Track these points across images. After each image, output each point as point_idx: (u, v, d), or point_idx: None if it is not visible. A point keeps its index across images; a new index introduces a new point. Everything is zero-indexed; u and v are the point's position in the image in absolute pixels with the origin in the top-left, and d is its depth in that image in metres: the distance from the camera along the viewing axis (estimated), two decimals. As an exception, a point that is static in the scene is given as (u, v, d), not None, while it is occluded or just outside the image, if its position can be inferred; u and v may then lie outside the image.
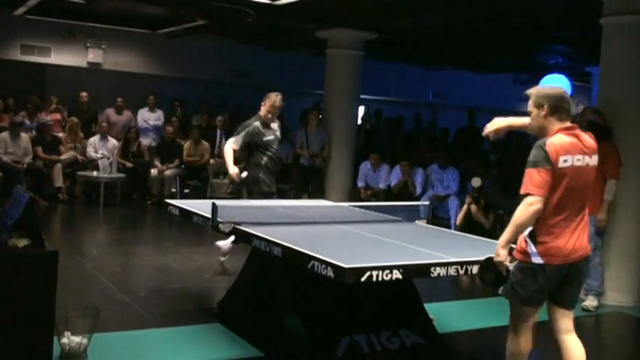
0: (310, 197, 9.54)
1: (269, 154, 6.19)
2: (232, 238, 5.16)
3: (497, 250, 3.40)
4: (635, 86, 6.47)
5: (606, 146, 6.13)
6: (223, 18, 9.76)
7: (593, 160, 3.44)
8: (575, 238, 3.39)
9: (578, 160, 3.35)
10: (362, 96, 11.47)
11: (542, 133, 3.43)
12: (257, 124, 6.12)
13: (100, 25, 12.38)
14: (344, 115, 10.81)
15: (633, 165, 6.32)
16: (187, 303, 5.57)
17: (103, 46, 12.68)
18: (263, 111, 6.18)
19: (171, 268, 6.82)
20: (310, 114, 10.98)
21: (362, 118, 14.07)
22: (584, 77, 13.06)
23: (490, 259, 3.45)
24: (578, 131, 3.43)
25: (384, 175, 10.20)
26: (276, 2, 8.66)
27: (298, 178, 10.75)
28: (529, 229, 3.36)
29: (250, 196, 6.28)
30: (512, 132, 12.40)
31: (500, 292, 3.49)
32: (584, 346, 3.48)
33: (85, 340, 4.03)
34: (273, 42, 12.69)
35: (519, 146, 11.24)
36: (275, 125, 6.28)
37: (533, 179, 3.28)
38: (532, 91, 3.51)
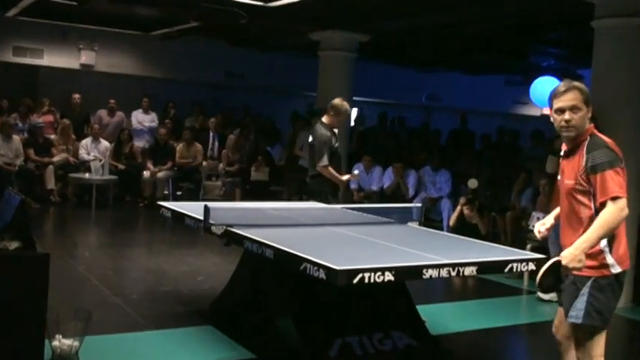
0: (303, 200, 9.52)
1: (332, 161, 6.21)
2: None
3: (578, 255, 2.96)
4: (626, 88, 6.50)
5: None
6: (216, 20, 9.75)
7: None
8: (626, 240, 3.22)
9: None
10: (354, 98, 11.47)
11: (579, 132, 3.16)
12: (328, 133, 6.14)
13: (93, 26, 12.35)
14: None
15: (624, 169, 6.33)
16: (179, 305, 5.56)
17: (96, 48, 12.65)
18: (332, 120, 6.17)
19: (164, 270, 6.81)
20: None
21: (355, 120, 14.07)
22: (576, 79, 13.09)
23: (558, 263, 3.03)
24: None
25: (377, 177, 10.21)
26: (269, 4, 8.66)
27: (294, 180, 10.70)
28: (605, 239, 3.04)
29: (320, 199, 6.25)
30: (504, 133, 12.40)
31: (580, 321, 3.08)
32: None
33: (76, 343, 4.00)
34: (266, 44, 12.69)
35: (511, 148, 11.30)
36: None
37: (616, 180, 2.98)
38: (579, 85, 3.19)
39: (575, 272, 3.06)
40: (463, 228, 8.28)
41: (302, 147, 10.67)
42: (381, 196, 9.89)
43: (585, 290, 3.09)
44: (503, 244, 6.52)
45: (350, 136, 11.55)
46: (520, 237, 7.75)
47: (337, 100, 6.22)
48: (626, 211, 2.97)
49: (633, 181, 6.45)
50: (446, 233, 6.99)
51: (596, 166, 3.01)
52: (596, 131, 3.20)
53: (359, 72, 11.04)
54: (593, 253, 3.05)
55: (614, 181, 2.98)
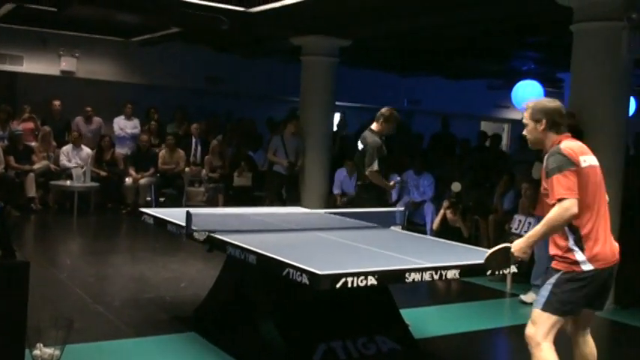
0: (285, 205, 9.51)
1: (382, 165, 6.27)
2: None
3: (524, 247, 3.36)
4: (604, 91, 6.57)
5: None
6: (197, 25, 9.73)
7: (597, 161, 3.49)
8: (611, 240, 3.42)
9: (591, 159, 3.42)
10: (337, 103, 11.50)
11: (538, 145, 3.51)
12: (378, 140, 6.20)
13: (73, 33, 12.27)
14: (319, 122, 10.81)
15: (604, 169, 6.38)
16: (162, 312, 5.52)
17: (76, 55, 12.57)
18: (382, 127, 6.22)
19: (146, 277, 6.76)
20: (289, 121, 10.94)
21: (337, 125, 14.09)
22: (556, 83, 13.22)
23: (507, 249, 3.43)
24: (574, 139, 3.50)
25: (360, 181, 10.21)
26: (250, 10, 8.66)
27: (273, 185, 10.70)
28: (572, 237, 3.30)
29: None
30: (485, 137, 12.49)
31: (540, 308, 3.34)
32: (557, 349, 3.50)
33: (57, 352, 3.97)
34: (248, 49, 12.68)
35: (494, 152, 11.38)
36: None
37: (563, 183, 3.23)
38: (530, 104, 3.54)
39: (553, 264, 3.37)
40: (446, 231, 8.32)
41: (275, 151, 10.64)
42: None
43: (552, 281, 3.35)
44: (486, 248, 6.55)
45: (333, 141, 11.56)
46: (503, 240, 7.76)
47: (386, 109, 6.31)
48: (571, 211, 3.20)
49: (614, 181, 6.54)
50: (428, 237, 7.02)
51: (548, 172, 3.31)
52: (566, 140, 3.42)
53: (341, 77, 11.07)
54: (563, 250, 3.33)
55: (561, 184, 3.23)
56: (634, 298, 6.66)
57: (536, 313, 3.37)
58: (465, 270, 3.87)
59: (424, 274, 3.65)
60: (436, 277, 3.71)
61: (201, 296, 5.36)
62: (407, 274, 3.59)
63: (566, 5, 6.76)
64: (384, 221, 5.35)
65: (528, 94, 12.13)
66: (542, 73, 12.37)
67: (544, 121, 3.44)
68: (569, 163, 3.27)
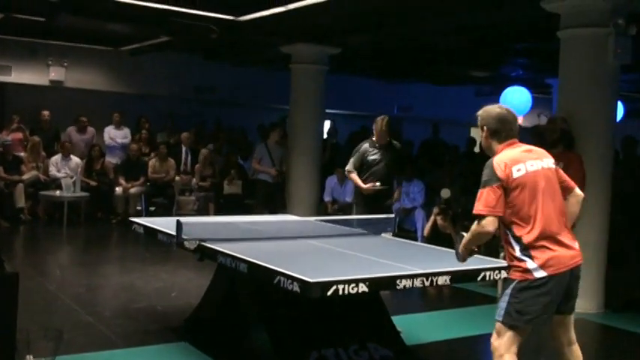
0: (272, 213, 9.50)
1: (369, 172, 6.46)
2: None
3: (463, 254, 3.53)
4: (592, 96, 6.62)
5: (569, 155, 6.27)
6: (187, 34, 9.74)
7: (547, 163, 3.44)
8: (568, 243, 3.35)
9: (532, 165, 3.36)
10: (327, 110, 11.52)
11: (489, 152, 3.52)
12: (366, 145, 6.54)
13: (62, 42, 12.24)
14: (309, 130, 10.83)
15: (593, 174, 6.45)
16: (153, 322, 5.50)
17: (65, 64, 12.53)
18: (374, 134, 6.55)
19: (137, 287, 6.73)
20: (272, 129, 10.95)
21: (327, 133, 14.11)
22: (545, 89, 13.29)
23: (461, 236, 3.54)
24: (522, 144, 3.48)
25: (351, 189, 10.21)
26: (240, 18, 8.68)
27: (260, 193, 10.68)
28: (517, 246, 3.30)
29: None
30: (474, 143, 12.50)
31: (500, 319, 3.34)
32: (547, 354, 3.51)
33: (47, 363, 3.94)
34: (238, 57, 12.69)
35: (485, 157, 11.42)
36: (394, 148, 6.58)
37: (484, 199, 3.28)
38: (478, 113, 3.57)
39: (508, 273, 3.40)
40: (437, 238, 8.33)
41: (260, 160, 10.63)
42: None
43: (508, 291, 3.34)
44: (477, 253, 6.57)
45: (323, 148, 11.57)
46: (493, 245, 7.79)
47: (376, 118, 6.60)
48: (487, 229, 3.26)
49: (602, 185, 6.58)
50: (419, 243, 7.03)
51: (480, 184, 3.36)
52: (507, 148, 3.42)
53: (331, 84, 11.09)
54: (514, 259, 3.33)
55: (483, 199, 3.29)
56: (624, 301, 6.69)
57: (497, 324, 3.36)
58: (456, 276, 3.88)
59: (415, 280, 3.65)
60: (427, 283, 3.72)
61: (192, 305, 5.34)
62: (398, 281, 3.59)
63: (554, 12, 6.81)
64: (375, 228, 5.36)
65: (517, 100, 12.20)
66: (531, 79, 12.43)
67: (486, 129, 3.48)
68: (495, 178, 3.28)
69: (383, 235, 5.28)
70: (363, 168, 6.50)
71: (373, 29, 9.20)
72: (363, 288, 3.44)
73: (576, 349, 3.54)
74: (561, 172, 3.55)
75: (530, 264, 3.26)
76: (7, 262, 3.56)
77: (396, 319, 4.89)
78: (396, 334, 4.74)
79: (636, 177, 8.00)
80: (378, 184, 6.36)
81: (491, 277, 4.00)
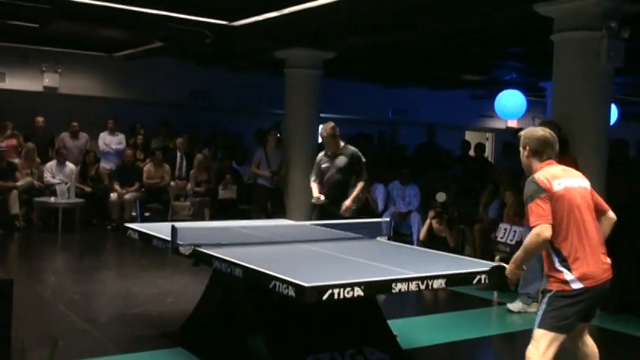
0: (270, 217, 9.50)
1: (323, 179, 6.49)
2: None
3: (513, 271, 3.65)
4: (585, 99, 6.65)
5: (564, 158, 6.29)
6: (181, 40, 9.73)
7: (582, 183, 3.66)
8: (601, 258, 3.53)
9: (570, 182, 3.57)
10: (322, 114, 11.52)
11: (529, 171, 3.70)
12: (321, 154, 6.63)
13: (56, 48, 12.22)
14: (304, 134, 10.83)
15: (587, 176, 6.44)
16: (149, 328, 5.48)
17: (59, 70, 12.50)
18: None
19: (132, 293, 6.71)
20: (269, 134, 10.97)
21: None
22: (539, 92, 13.33)
23: (501, 268, 3.75)
24: (559, 164, 3.68)
25: (346, 193, 10.22)
26: (233, 23, 8.68)
27: (258, 198, 10.70)
28: (556, 258, 3.47)
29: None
30: (468, 147, 12.54)
31: (537, 326, 3.50)
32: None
33: (42, 370, 3.93)
34: (232, 62, 12.69)
35: (479, 161, 11.44)
36: (343, 154, 6.48)
37: (535, 211, 3.45)
38: (522, 133, 3.77)
39: (547, 285, 3.54)
40: (433, 241, 8.33)
41: (259, 164, 10.64)
42: (351, 211, 9.89)
43: (545, 300, 3.52)
44: (473, 257, 6.58)
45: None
46: (489, 249, 7.81)
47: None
48: (543, 235, 3.41)
49: (597, 188, 6.57)
50: (414, 247, 7.03)
51: (525, 200, 3.55)
52: (547, 166, 3.61)
53: (325, 89, 11.10)
54: (553, 271, 3.49)
55: (533, 211, 3.46)
56: (619, 304, 6.70)
57: (536, 331, 3.50)
58: (452, 279, 3.88)
59: (410, 284, 3.65)
60: (422, 286, 3.72)
61: (188, 311, 5.32)
62: (393, 285, 3.59)
63: (547, 15, 6.84)
64: (371, 232, 5.36)
65: (511, 103, 12.23)
66: (525, 82, 12.46)
67: (528, 149, 3.68)
68: (540, 190, 3.47)
69: (378, 238, 5.29)
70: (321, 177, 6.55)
71: (367, 33, 9.21)
72: (358, 292, 3.43)
73: (591, 341, 3.75)
74: (595, 194, 3.73)
75: (567, 275, 3.43)
76: (1, 269, 3.55)
77: (392, 323, 4.88)
78: (392, 338, 4.73)
79: (629, 179, 8.01)
80: (322, 198, 6.35)
81: (487, 281, 4.00)
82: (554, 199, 3.46)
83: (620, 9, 6.49)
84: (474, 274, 3.96)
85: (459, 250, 8.37)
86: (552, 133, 3.71)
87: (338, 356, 4.32)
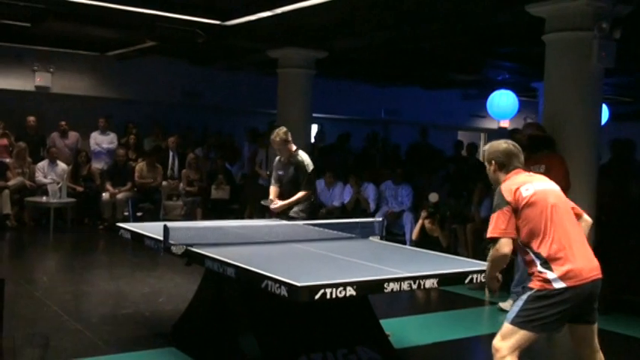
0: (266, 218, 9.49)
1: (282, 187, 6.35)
2: None
3: (487, 281, 3.70)
4: (577, 100, 6.67)
5: (550, 156, 6.32)
6: (173, 39, 9.72)
7: (552, 185, 3.65)
8: (586, 256, 3.49)
9: (539, 185, 3.57)
10: (314, 114, 11.52)
11: (496, 183, 3.71)
12: (277, 158, 6.44)
13: (48, 48, 12.18)
14: (296, 134, 10.77)
15: (576, 175, 6.50)
16: (141, 328, 5.47)
17: (51, 70, 12.46)
18: None
19: (124, 292, 6.70)
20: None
21: (315, 137, 14.12)
22: (531, 92, 13.38)
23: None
24: (526, 172, 3.69)
25: (338, 192, 10.25)
26: (226, 23, 8.67)
27: (255, 198, 10.68)
28: (537, 261, 3.43)
29: None
30: (460, 146, 12.56)
31: (509, 322, 3.45)
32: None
33: (34, 370, 3.92)
34: (225, 62, 12.68)
35: (471, 161, 11.47)
36: (291, 163, 6.27)
37: (495, 222, 3.48)
38: (485, 148, 3.83)
39: (529, 283, 3.49)
40: (425, 241, 8.35)
41: (260, 164, 10.65)
42: (343, 211, 9.93)
43: (524, 297, 3.46)
44: (465, 256, 6.59)
45: (311, 153, 11.56)
46: (481, 248, 7.84)
47: None
48: (502, 251, 3.44)
49: (585, 189, 6.62)
50: (406, 246, 7.05)
51: (493, 210, 3.58)
52: (513, 176, 3.63)
53: (318, 88, 11.10)
54: (535, 271, 3.45)
55: (495, 222, 3.48)
56: (609, 303, 6.73)
57: (505, 326, 3.46)
58: (444, 279, 3.89)
59: (403, 283, 3.66)
60: (415, 286, 3.72)
61: (180, 311, 5.32)
62: (385, 284, 3.60)
63: (539, 16, 6.86)
64: (363, 232, 5.36)
65: (503, 103, 12.27)
66: (517, 82, 12.51)
67: (494, 163, 3.71)
68: (503, 202, 3.48)
69: (371, 238, 5.29)
70: None
71: (360, 33, 9.22)
72: (350, 291, 3.44)
73: (600, 355, 3.66)
74: (569, 200, 3.70)
75: (550, 275, 3.39)
76: (-8, 268, 3.54)
77: (385, 323, 4.89)
78: (384, 338, 4.74)
79: (618, 179, 8.05)
80: (276, 203, 6.26)
81: (479, 280, 4.02)
82: (523, 206, 3.45)
83: (611, 10, 6.52)
84: (466, 274, 3.97)
85: (451, 249, 8.39)
86: (515, 144, 3.73)
87: (330, 356, 4.32)
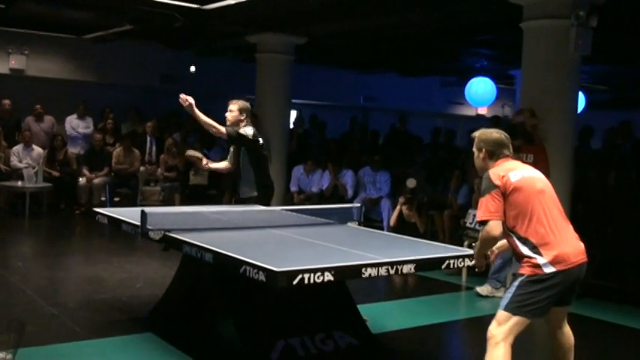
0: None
1: None
2: None
3: (477, 260, 3.83)
4: (553, 87, 6.74)
5: (538, 147, 6.39)
6: (151, 23, 9.62)
7: (536, 172, 3.72)
8: (572, 241, 3.56)
9: (526, 171, 3.64)
10: (293, 100, 11.50)
11: (482, 171, 3.75)
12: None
13: (23, 30, 11.98)
14: (276, 120, 10.81)
15: (554, 162, 6.59)
16: (118, 313, 5.45)
17: (26, 52, 12.27)
18: None
19: (101, 278, 6.66)
20: None
21: (294, 123, 14.10)
22: (508, 80, 13.47)
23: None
24: (513, 161, 3.74)
25: (317, 179, 10.26)
26: (204, 7, 8.60)
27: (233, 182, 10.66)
28: (525, 247, 3.48)
29: None
30: (439, 133, 12.60)
31: (502, 308, 3.50)
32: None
33: (9, 356, 3.89)
34: (203, 46, 12.59)
35: (448, 148, 11.53)
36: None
37: (484, 206, 3.53)
38: (476, 134, 3.82)
39: (519, 269, 3.55)
40: (403, 227, 8.39)
41: None
42: (321, 198, 9.94)
43: (515, 283, 3.51)
44: (442, 242, 6.65)
45: (290, 139, 11.56)
46: (458, 234, 7.91)
47: None
48: (493, 233, 3.51)
49: (564, 174, 6.71)
50: (385, 232, 7.09)
51: (481, 194, 3.63)
52: (501, 163, 3.68)
53: (297, 74, 11.07)
54: (525, 257, 3.50)
55: (485, 205, 3.53)
56: (585, 288, 6.83)
57: (500, 313, 3.52)
58: (421, 264, 3.92)
59: (380, 269, 3.68)
60: (392, 271, 3.75)
61: (157, 296, 5.31)
62: (363, 270, 3.62)
63: (517, 3, 6.90)
64: (341, 218, 5.38)
65: (482, 90, 12.34)
66: (495, 70, 12.58)
67: (484, 151, 3.74)
68: (492, 186, 3.53)
69: (349, 224, 5.31)
70: None
71: (339, 19, 9.20)
72: (328, 277, 3.45)
73: (568, 330, 3.81)
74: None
75: (540, 260, 3.44)
76: (-34, 253, 3.50)
77: (362, 308, 4.93)
78: (361, 323, 4.78)
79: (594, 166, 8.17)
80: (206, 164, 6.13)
81: (456, 265, 4.06)
82: (511, 191, 3.50)
83: (588, -2, 6.58)
84: (442, 259, 4.01)
85: (428, 235, 8.45)
86: (506, 134, 3.77)
87: (308, 340, 4.35)
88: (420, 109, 16.17)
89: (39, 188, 10.48)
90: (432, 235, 8.50)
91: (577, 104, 7.22)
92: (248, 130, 5.81)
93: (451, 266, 4.04)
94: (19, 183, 10.37)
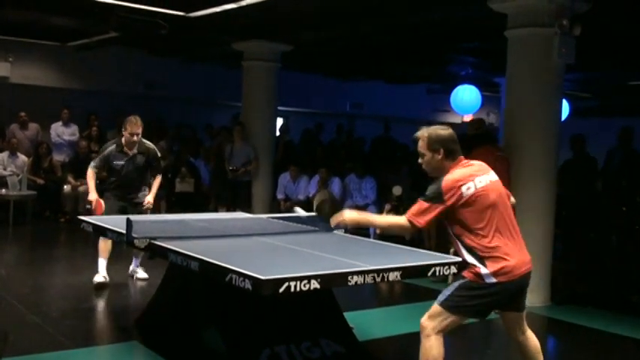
0: (236, 211, 9.46)
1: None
2: None
3: (356, 222, 3.90)
4: (537, 94, 6.78)
5: (489, 152, 6.34)
6: (136, 30, 9.59)
7: (492, 176, 3.62)
8: (519, 253, 3.54)
9: (480, 181, 3.52)
10: (279, 107, 11.49)
11: (438, 173, 3.59)
12: (113, 147, 6.71)
13: (7, 37, 11.90)
14: (262, 127, 10.80)
15: (535, 169, 6.64)
16: (103, 321, 5.43)
17: (10, 59, 12.19)
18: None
19: (86, 286, 6.61)
20: (234, 129, 10.84)
21: (280, 130, 14.09)
22: (494, 87, 13.55)
23: (338, 207, 4.00)
24: (467, 160, 3.63)
25: (304, 186, 10.25)
26: (190, 14, 8.59)
27: (222, 191, 10.62)
28: (472, 256, 3.46)
29: None
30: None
31: (438, 303, 3.56)
32: (492, 347, 3.60)
33: (-8, 366, 3.85)
34: (189, 54, 12.56)
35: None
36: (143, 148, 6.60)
37: (419, 210, 3.49)
38: (423, 135, 3.60)
39: (463, 272, 3.54)
40: (389, 234, 8.39)
41: (229, 159, 10.55)
42: (308, 205, 9.92)
43: (456, 284, 3.58)
44: (428, 249, 6.66)
45: (276, 146, 11.55)
46: (444, 241, 7.92)
47: None
48: (405, 231, 3.60)
49: (547, 182, 6.75)
50: (371, 240, 7.07)
51: (425, 193, 3.55)
52: (459, 167, 3.55)
53: (283, 81, 11.07)
54: (469, 264, 3.51)
55: (418, 209, 3.50)
56: (568, 295, 6.88)
57: (434, 307, 3.59)
58: (407, 272, 3.92)
59: (366, 276, 3.68)
60: (378, 279, 3.75)
61: (143, 304, 5.28)
62: (350, 277, 3.62)
63: (501, 12, 6.95)
64: (327, 225, 5.36)
65: (467, 98, 12.41)
66: (480, 77, 12.64)
67: (442, 151, 3.55)
68: (441, 200, 3.44)
69: (335, 232, 5.31)
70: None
71: (325, 27, 9.22)
72: (314, 285, 3.45)
73: (530, 334, 3.79)
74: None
75: (483, 270, 3.44)
76: (-51, 262, 3.46)
77: (348, 315, 4.92)
78: (348, 330, 4.77)
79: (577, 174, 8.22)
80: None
81: (442, 273, 4.06)
82: (460, 204, 3.43)
83: (571, 7, 6.64)
84: (428, 267, 4.01)
85: (414, 243, 8.46)
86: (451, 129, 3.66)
87: (294, 349, 4.34)
88: (406, 116, 16.22)
89: (23, 196, 10.40)
90: (418, 243, 8.51)
91: (561, 111, 7.27)
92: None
93: (437, 274, 4.04)
94: (3, 191, 10.29)
